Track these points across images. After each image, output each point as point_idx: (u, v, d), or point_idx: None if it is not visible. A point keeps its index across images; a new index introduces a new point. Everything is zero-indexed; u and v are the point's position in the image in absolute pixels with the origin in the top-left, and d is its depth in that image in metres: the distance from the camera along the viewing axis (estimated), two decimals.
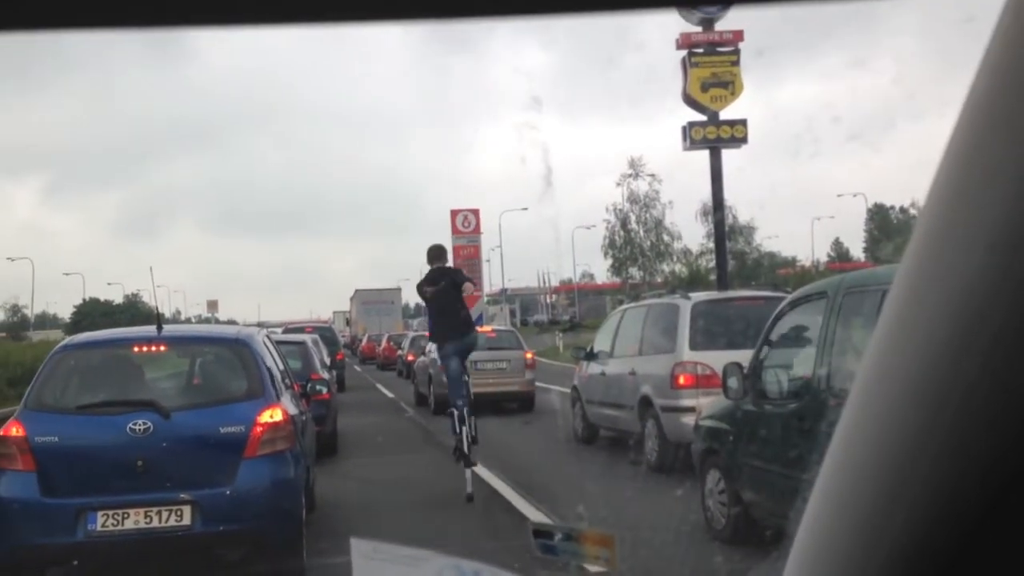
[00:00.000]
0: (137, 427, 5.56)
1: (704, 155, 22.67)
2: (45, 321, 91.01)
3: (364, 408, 18.17)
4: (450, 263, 9.98)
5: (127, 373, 6.33)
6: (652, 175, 48.15)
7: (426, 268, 9.26)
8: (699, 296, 10.43)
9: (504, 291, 67.61)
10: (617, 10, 0.64)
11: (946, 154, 0.63)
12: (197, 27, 0.69)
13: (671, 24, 22.98)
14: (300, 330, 22.99)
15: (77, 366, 6.26)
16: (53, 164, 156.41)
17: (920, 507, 0.60)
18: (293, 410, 6.34)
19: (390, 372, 31.35)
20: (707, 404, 7.36)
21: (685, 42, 22.54)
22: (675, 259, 49.59)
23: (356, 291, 60.04)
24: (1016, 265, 0.55)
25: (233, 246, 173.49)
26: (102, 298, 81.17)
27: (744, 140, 22.58)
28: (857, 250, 71.98)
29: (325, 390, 10.51)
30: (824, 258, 66.83)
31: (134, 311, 71.01)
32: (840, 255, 72.56)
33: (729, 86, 22.35)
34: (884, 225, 66.00)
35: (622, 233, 48.94)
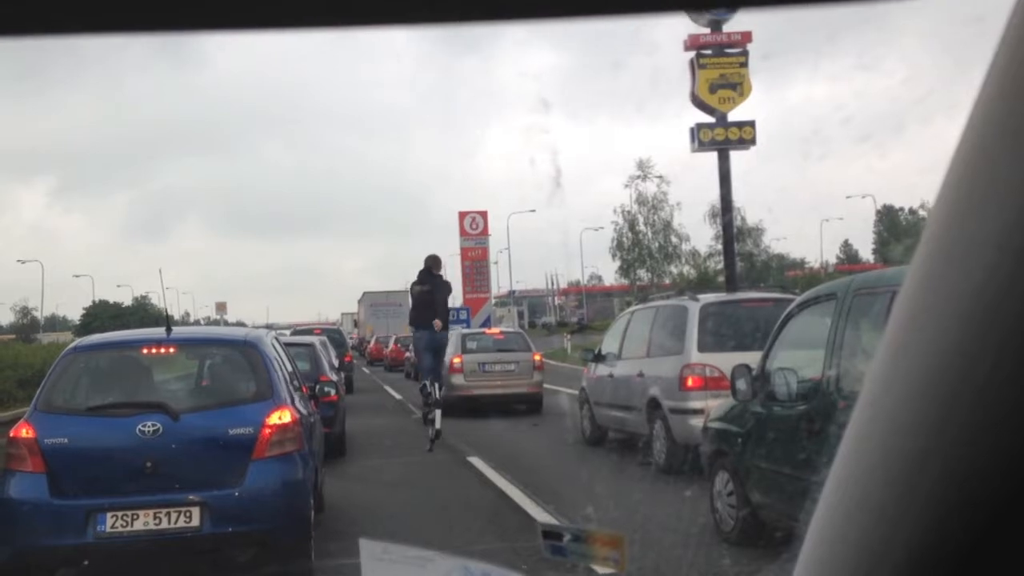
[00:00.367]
0: (146, 429, 5.58)
1: (712, 157, 22.64)
2: (55, 323, 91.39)
3: (372, 410, 18.18)
4: (444, 273, 12.53)
5: (136, 375, 6.35)
6: (660, 177, 48.13)
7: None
8: (707, 298, 10.41)
9: (512, 293, 67.62)
10: (625, 13, 0.65)
11: (956, 155, 0.62)
12: (206, 31, 0.69)
13: (679, 26, 22.96)
14: (308, 332, 23.07)
15: (87, 368, 6.28)
16: (63, 166, 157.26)
17: (932, 508, 0.60)
18: (302, 412, 6.35)
19: (397, 373, 31.37)
20: (715, 406, 7.34)
21: (693, 43, 22.51)
22: (683, 261, 49.53)
23: (364, 293, 60.10)
24: None
25: (242, 248, 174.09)
26: (111, 300, 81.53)
27: (752, 142, 22.54)
28: (866, 252, 71.88)
29: (333, 392, 10.54)
30: (833, 260, 66.72)
31: (143, 313, 71.29)
32: (849, 257, 72.39)
33: (737, 88, 22.31)
34: (893, 227, 65.83)
35: (630, 235, 48.88)
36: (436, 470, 10.69)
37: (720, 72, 22.29)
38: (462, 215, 42.84)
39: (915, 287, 0.65)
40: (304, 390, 7.39)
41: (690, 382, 9.38)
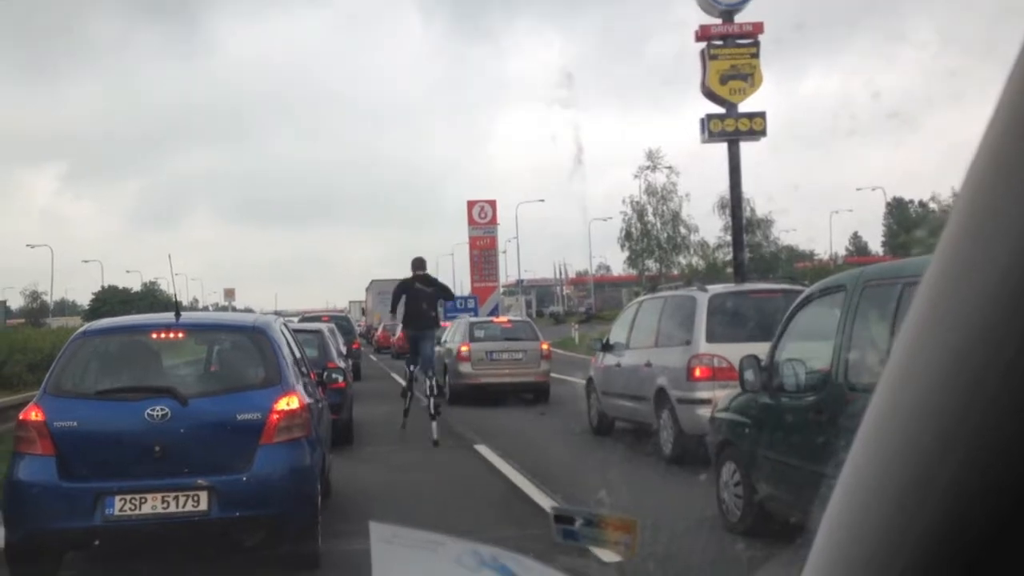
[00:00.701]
0: (155, 413, 5.59)
1: (722, 148, 22.57)
2: (64, 308, 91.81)
3: (379, 397, 18.21)
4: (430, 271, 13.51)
5: (145, 359, 6.36)
6: (670, 167, 48.02)
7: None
8: (716, 288, 10.39)
9: (520, 282, 67.60)
10: None
11: (984, 140, 0.62)
12: None
13: (691, 16, 22.87)
14: (317, 319, 23.13)
15: (96, 352, 6.30)
16: (74, 152, 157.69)
17: (953, 495, 0.59)
18: (309, 398, 6.36)
19: (400, 363, 31.39)
20: (723, 396, 7.33)
21: (704, 34, 22.41)
22: (692, 252, 49.44)
23: (372, 281, 60.22)
24: None
25: (250, 235, 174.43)
26: (120, 285, 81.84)
27: (763, 133, 22.46)
28: (876, 244, 71.63)
29: (341, 378, 10.55)
30: (842, 252, 66.54)
31: (152, 299, 71.51)
32: (858, 249, 72.19)
33: (748, 79, 22.22)
34: (903, 219, 65.56)
35: (639, 225, 48.80)
36: (443, 458, 10.71)
37: (731, 63, 22.20)
38: (471, 204, 42.83)
39: (939, 273, 0.64)
40: (312, 376, 7.41)
41: (698, 372, 9.37)
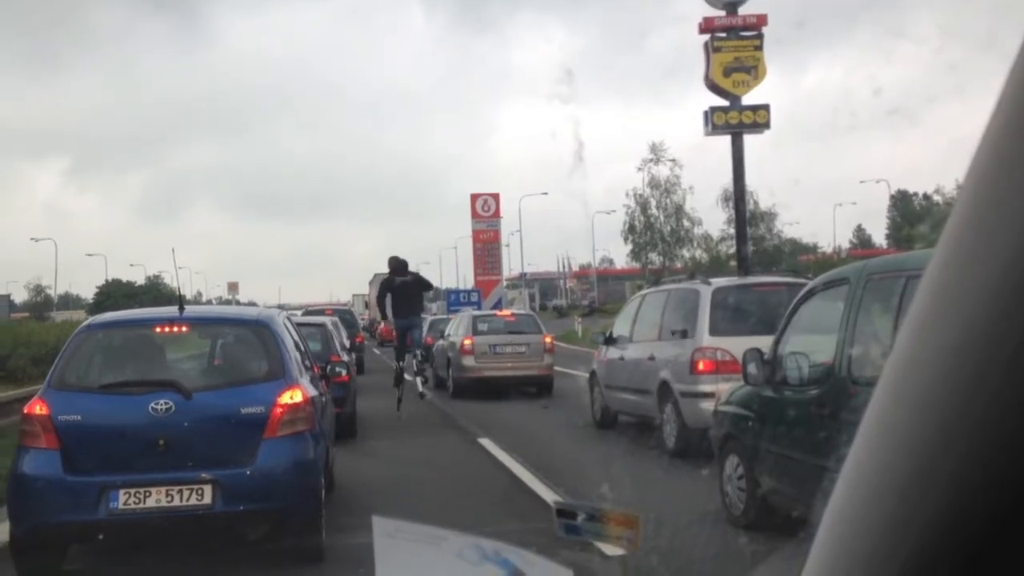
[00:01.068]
0: (159, 407, 5.60)
1: (726, 140, 22.53)
2: (68, 301, 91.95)
3: (383, 390, 18.21)
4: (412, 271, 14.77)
5: (149, 353, 6.37)
6: (673, 160, 48.00)
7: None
8: (719, 281, 10.39)
9: (523, 276, 67.65)
10: None
11: (986, 132, 0.61)
12: None
13: (694, 9, 22.81)
14: (320, 312, 23.10)
15: (100, 346, 6.31)
16: (77, 146, 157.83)
17: (955, 488, 0.59)
18: (313, 391, 6.37)
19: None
20: (726, 390, 7.33)
21: (708, 26, 22.35)
22: (695, 245, 49.43)
23: (375, 275, 60.19)
24: None
25: (254, 228, 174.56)
26: (124, 279, 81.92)
27: (766, 125, 22.41)
28: (880, 236, 71.55)
29: (344, 372, 10.56)
30: (846, 244, 66.44)
31: (156, 292, 71.61)
32: (862, 241, 72.08)
33: (752, 71, 22.17)
34: (907, 212, 65.46)
35: (642, 218, 48.80)
36: (447, 451, 10.73)
37: (735, 55, 22.14)
38: (474, 197, 42.81)
39: (941, 266, 0.64)
40: (315, 370, 7.42)
41: (701, 366, 9.37)
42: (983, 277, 0.59)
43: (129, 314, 7.50)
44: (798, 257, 53.22)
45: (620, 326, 12.20)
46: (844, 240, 69.71)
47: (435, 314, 38.80)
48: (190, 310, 6.67)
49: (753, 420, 6.45)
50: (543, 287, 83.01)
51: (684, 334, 9.88)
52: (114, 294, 70.55)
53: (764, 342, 6.52)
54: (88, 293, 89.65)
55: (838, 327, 5.56)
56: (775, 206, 49.97)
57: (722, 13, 22.31)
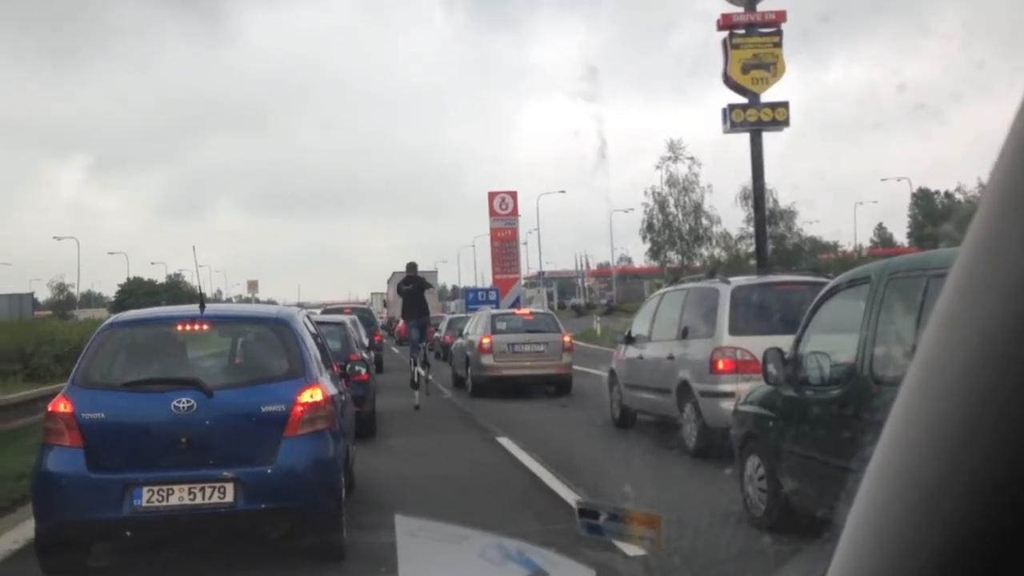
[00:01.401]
0: (181, 405, 5.64)
1: (745, 138, 22.43)
2: (90, 299, 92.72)
3: (402, 389, 18.26)
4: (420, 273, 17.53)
5: (171, 351, 6.41)
6: (691, 158, 47.77)
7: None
8: (739, 280, 10.34)
9: (541, 274, 67.58)
10: None
11: (1014, 126, 0.61)
12: None
13: (713, 5, 22.71)
14: (339, 311, 23.19)
15: (123, 344, 6.35)
16: (98, 144, 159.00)
17: (975, 492, 0.59)
18: (332, 390, 6.39)
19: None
20: (746, 389, 7.30)
21: (726, 23, 22.27)
22: (714, 243, 49.19)
23: (393, 273, 60.31)
24: None
25: (273, 227, 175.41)
26: (146, 277, 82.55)
27: (786, 123, 22.31)
28: (901, 235, 71.01)
29: (364, 371, 10.63)
30: (867, 243, 65.97)
31: (176, 290, 72.12)
32: (883, 240, 71.59)
33: (771, 68, 22.07)
34: (929, 210, 64.92)
35: (660, 217, 48.59)
36: (466, 450, 10.74)
37: (753, 52, 22.05)
38: (492, 195, 42.78)
39: (965, 265, 0.64)
40: (335, 369, 7.44)
41: (721, 365, 9.34)
42: (1007, 275, 0.59)
43: (151, 312, 7.54)
44: (818, 256, 52.89)
45: (639, 325, 12.18)
46: (865, 239, 69.28)
47: (453, 313, 38.84)
48: (211, 308, 6.70)
49: (774, 420, 6.43)
50: (561, 286, 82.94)
51: (702, 333, 9.85)
52: (135, 292, 71.11)
53: (784, 341, 6.49)
54: (110, 291, 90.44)
55: (859, 326, 5.53)
56: (795, 204, 49.70)
57: (740, 9, 22.21)
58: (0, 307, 42.36)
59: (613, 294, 68.36)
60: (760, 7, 22.24)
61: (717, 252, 49.00)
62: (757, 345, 8.16)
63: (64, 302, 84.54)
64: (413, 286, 16.71)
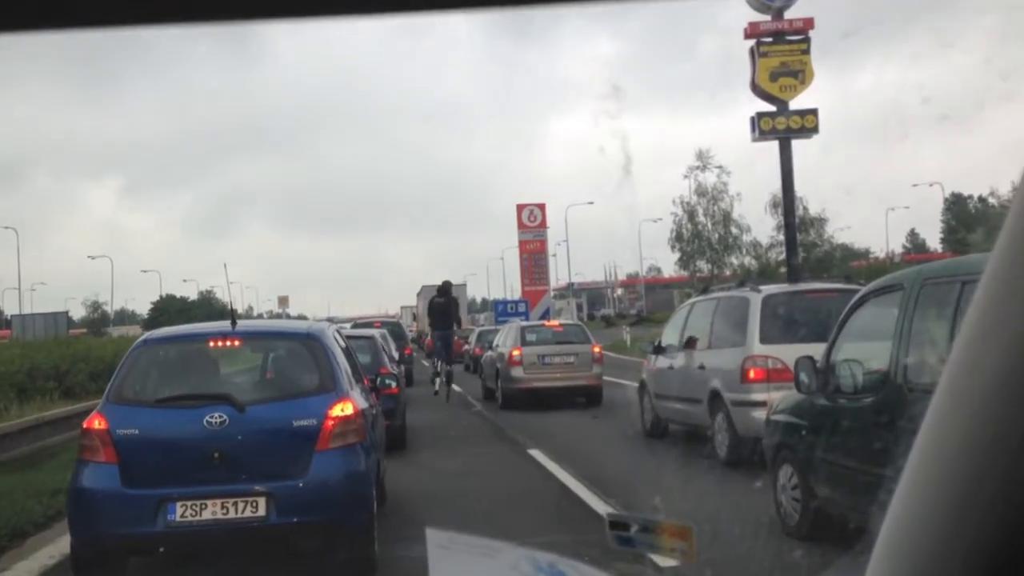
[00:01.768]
0: (213, 420, 5.68)
1: (774, 146, 22.31)
2: (124, 317, 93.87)
3: (432, 403, 18.30)
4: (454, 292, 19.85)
5: (203, 367, 6.46)
6: (720, 167, 47.56)
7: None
8: (770, 289, 10.27)
9: (571, 285, 67.51)
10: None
11: None
12: (268, 20, 0.70)
13: (740, 13, 22.66)
14: (369, 325, 23.27)
15: (156, 360, 6.41)
16: (131, 165, 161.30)
17: (1010, 498, 0.58)
18: (363, 404, 6.41)
19: (456, 366, 31.54)
20: (779, 398, 7.24)
21: (753, 31, 22.20)
22: (744, 252, 48.90)
23: (423, 287, 60.52)
24: None
25: (303, 243, 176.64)
26: (178, 295, 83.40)
27: (815, 130, 22.17)
28: (934, 241, 70.23)
29: (394, 384, 10.62)
30: (899, 249, 65.30)
31: (208, 307, 72.75)
32: (916, 246, 70.86)
33: (799, 75, 21.96)
34: (962, 215, 64.13)
35: (689, 226, 48.41)
36: (497, 462, 10.73)
37: (781, 60, 21.95)
38: (520, 208, 42.89)
39: (999, 270, 0.63)
40: (366, 382, 7.47)
41: (752, 374, 9.27)
42: None
43: (183, 329, 7.62)
44: (849, 263, 52.42)
45: (669, 335, 12.12)
46: (897, 245, 68.59)
47: (483, 325, 38.87)
48: (242, 324, 6.75)
49: (806, 429, 6.37)
50: (590, 296, 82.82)
51: (733, 342, 9.78)
52: (168, 309, 71.83)
53: (815, 350, 6.43)
54: (143, 309, 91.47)
55: (893, 333, 5.47)
56: (825, 211, 49.31)
57: (767, 18, 22.14)
58: (36, 326, 42.96)
59: (642, 304, 68.18)
60: (787, 15, 22.14)
61: (747, 261, 48.71)
62: (788, 354, 8.10)
63: (98, 320, 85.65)
64: (444, 300, 19.04)
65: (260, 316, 67.82)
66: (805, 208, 45.76)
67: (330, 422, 5.77)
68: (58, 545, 6.98)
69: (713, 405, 9.88)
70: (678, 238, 49.06)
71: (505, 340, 18.17)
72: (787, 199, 23.67)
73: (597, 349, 17.27)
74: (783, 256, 33.29)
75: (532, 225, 42.50)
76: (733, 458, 9.27)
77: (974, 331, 0.64)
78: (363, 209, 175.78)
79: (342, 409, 5.85)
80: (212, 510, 5.52)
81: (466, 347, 31.58)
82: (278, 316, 66.78)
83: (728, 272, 47.10)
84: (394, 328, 26.32)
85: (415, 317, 64.88)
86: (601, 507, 7.53)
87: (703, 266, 49.00)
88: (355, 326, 22.91)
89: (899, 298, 5.52)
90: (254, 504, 5.55)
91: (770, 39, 22.08)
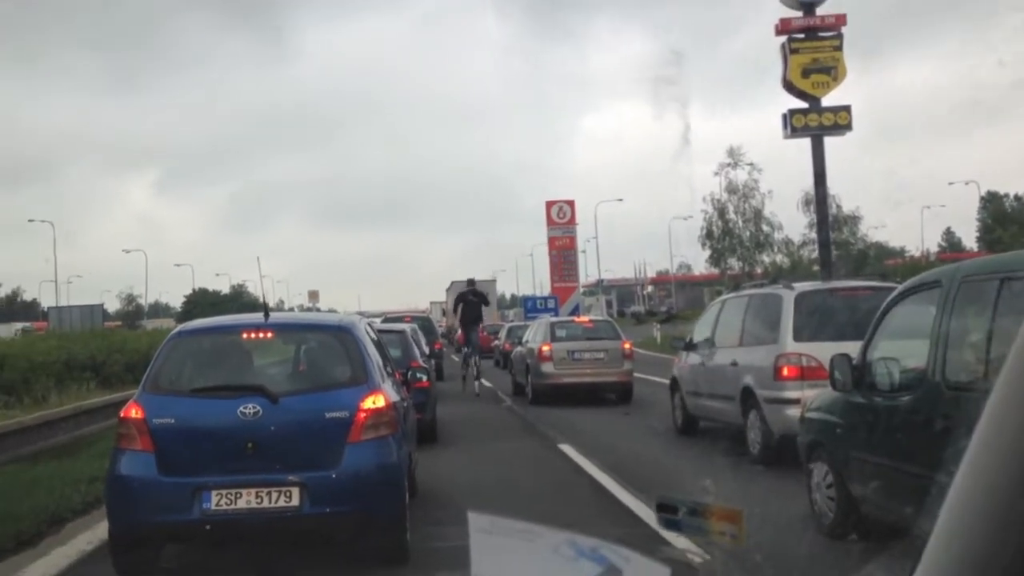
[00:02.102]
0: (247, 411, 5.73)
1: (806, 143, 22.09)
2: (158, 310, 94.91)
3: (462, 397, 18.34)
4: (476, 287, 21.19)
5: (237, 358, 6.51)
6: (751, 164, 47.18)
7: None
8: (803, 286, 10.19)
9: (600, 282, 67.37)
10: None
11: None
12: None
13: (772, 10, 22.45)
14: (399, 319, 23.37)
15: (190, 351, 6.48)
16: (166, 159, 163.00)
17: None
18: (395, 397, 6.43)
19: (486, 361, 31.55)
20: (813, 396, 7.18)
21: (784, 28, 21.99)
22: (776, 249, 48.48)
23: (452, 282, 60.66)
24: None
25: (334, 238, 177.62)
26: (210, 288, 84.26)
27: (848, 127, 21.91)
28: (970, 240, 69.28)
29: (425, 378, 10.66)
30: (934, 248, 64.51)
31: (240, 300, 73.37)
32: (952, 245, 69.95)
33: (831, 72, 21.72)
34: (998, 213, 63.19)
35: (720, 223, 48.07)
36: (527, 457, 10.73)
37: (813, 56, 21.73)
38: (549, 204, 42.81)
39: None
40: (397, 376, 7.50)
41: (786, 372, 9.20)
42: None
43: (217, 321, 7.68)
44: (884, 261, 51.83)
45: (700, 331, 12.06)
46: (932, 243, 67.76)
47: (512, 321, 38.88)
48: (275, 316, 6.79)
49: (842, 427, 6.31)
50: (620, 294, 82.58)
51: (766, 340, 9.72)
52: (200, 303, 72.59)
53: (849, 347, 6.37)
54: (176, 302, 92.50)
55: (930, 331, 5.40)
56: (859, 209, 48.76)
57: (799, 14, 21.91)
58: (72, 318, 43.58)
59: (673, 301, 67.87)
60: (819, 11, 21.91)
61: (779, 258, 48.29)
62: (822, 351, 8.03)
63: (133, 313, 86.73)
64: (474, 297, 20.32)
65: (291, 310, 68.20)
66: (838, 206, 45.33)
67: (362, 414, 5.80)
68: (96, 531, 7.08)
69: (746, 402, 9.82)
70: (709, 235, 48.73)
71: (535, 336, 18.15)
72: (819, 196, 23.44)
73: (627, 345, 17.21)
74: (815, 254, 32.95)
75: (561, 221, 42.41)
76: (766, 455, 9.21)
77: None
78: (393, 204, 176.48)
79: (374, 401, 5.88)
80: (247, 499, 5.57)
81: (496, 342, 31.58)
82: (308, 310, 67.18)
83: (759, 269, 46.74)
84: (424, 323, 26.41)
85: (444, 312, 65.09)
86: (632, 501, 7.51)
87: (734, 263, 48.65)
88: (386, 320, 23.00)
89: (937, 295, 5.45)
90: (288, 494, 5.60)
91: (802, 35, 21.86)
